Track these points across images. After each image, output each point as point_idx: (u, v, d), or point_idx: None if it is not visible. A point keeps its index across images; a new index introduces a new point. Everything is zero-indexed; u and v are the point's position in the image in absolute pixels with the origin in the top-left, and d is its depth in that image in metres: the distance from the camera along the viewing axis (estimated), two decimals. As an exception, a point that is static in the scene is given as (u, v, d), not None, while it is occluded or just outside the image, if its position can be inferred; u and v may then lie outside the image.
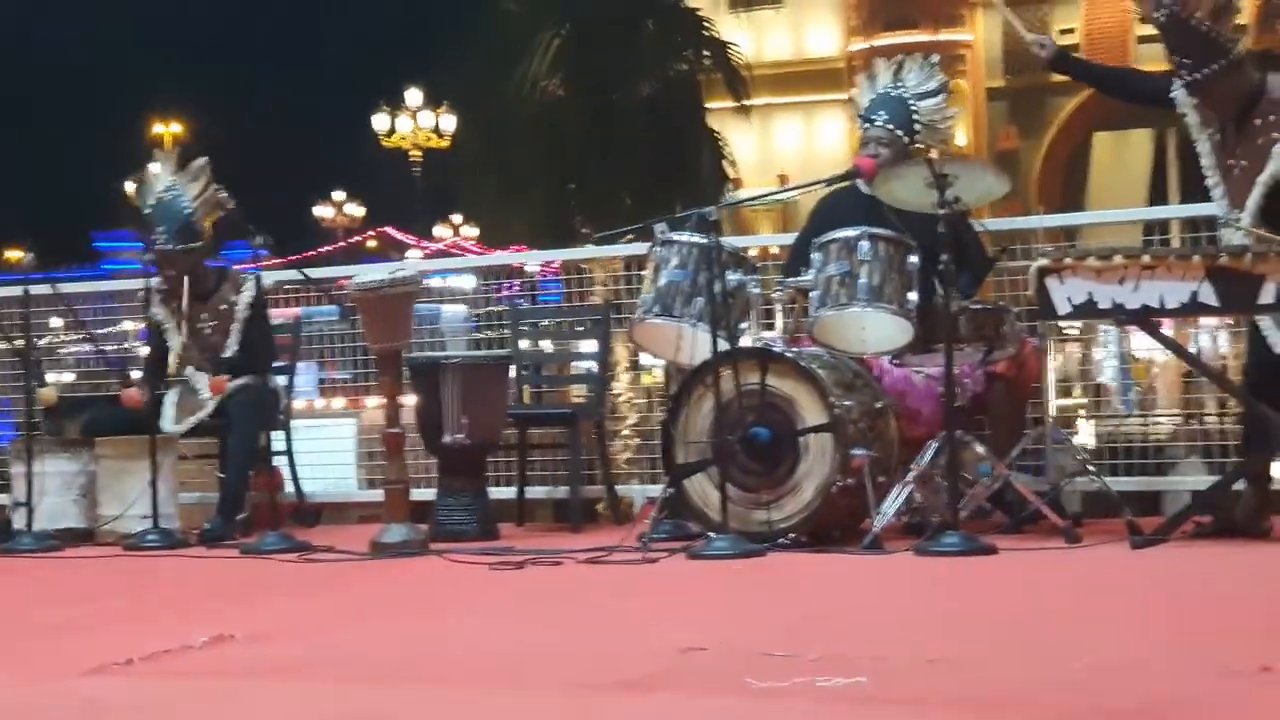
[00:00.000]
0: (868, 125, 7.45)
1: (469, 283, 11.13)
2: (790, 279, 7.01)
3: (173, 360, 8.35)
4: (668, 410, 7.00)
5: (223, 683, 4.39)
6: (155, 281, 8.42)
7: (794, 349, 6.87)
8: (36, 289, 8.81)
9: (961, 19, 43.94)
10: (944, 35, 43.75)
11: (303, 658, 4.74)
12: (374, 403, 11.14)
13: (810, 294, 6.85)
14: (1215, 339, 8.54)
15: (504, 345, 9.78)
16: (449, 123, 36.69)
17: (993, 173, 6.79)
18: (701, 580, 6.12)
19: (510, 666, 4.45)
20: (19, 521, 8.09)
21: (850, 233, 6.81)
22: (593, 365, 8.51)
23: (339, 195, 49.69)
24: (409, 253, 39.42)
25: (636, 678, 4.18)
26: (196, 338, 8.32)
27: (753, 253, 8.62)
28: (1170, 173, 33.67)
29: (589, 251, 11.47)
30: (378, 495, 9.61)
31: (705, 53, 23.76)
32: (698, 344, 6.86)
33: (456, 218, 47.11)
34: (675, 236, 7.06)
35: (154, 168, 8.54)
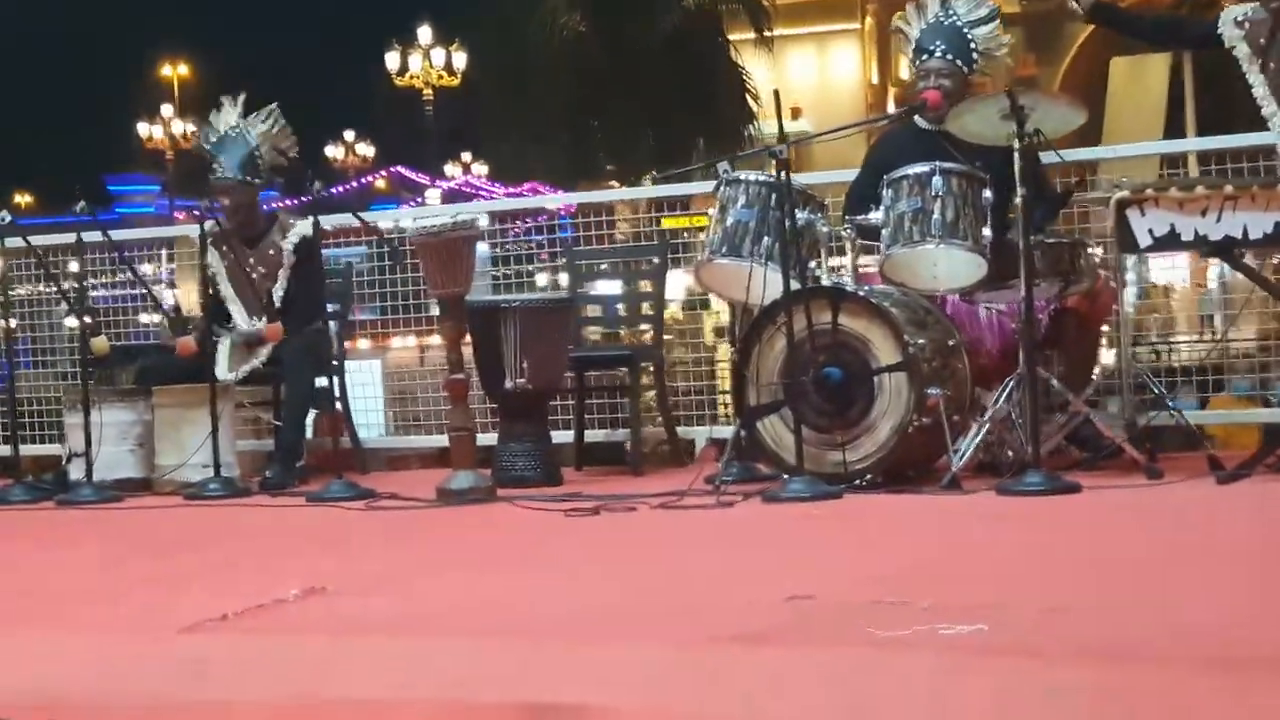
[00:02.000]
0: (925, 57, 7.32)
1: (482, 222, 11.00)
2: (859, 217, 6.89)
3: (235, 311, 8.26)
4: (738, 351, 6.90)
5: (323, 639, 4.32)
6: (208, 226, 8.31)
7: (865, 287, 6.76)
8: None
9: (973, -54, 43.65)
10: (956, -38, 43.53)
11: (400, 611, 4.67)
12: (399, 344, 11.08)
13: (881, 231, 6.73)
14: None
15: (522, 287, 9.76)
16: (461, 60, 36.48)
17: (1068, 103, 6.66)
18: (783, 524, 6.04)
19: (617, 619, 4.38)
20: (76, 472, 8.01)
21: (922, 168, 6.69)
22: (651, 305, 8.38)
23: (349, 135, 49.51)
24: (427, 193, 39.29)
25: (750, 629, 4.09)
26: (247, 282, 8.22)
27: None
28: (1187, 102, 33.46)
29: (614, 194, 11.36)
30: (406, 441, 9.59)
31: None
32: (767, 284, 6.74)
33: (466, 156, 46.96)
34: (742, 175, 6.95)
35: (222, 114, 8.43)
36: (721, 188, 6.94)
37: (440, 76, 37.92)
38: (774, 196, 6.77)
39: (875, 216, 6.79)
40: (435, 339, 11.50)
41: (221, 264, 8.33)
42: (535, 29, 22.49)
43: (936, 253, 6.65)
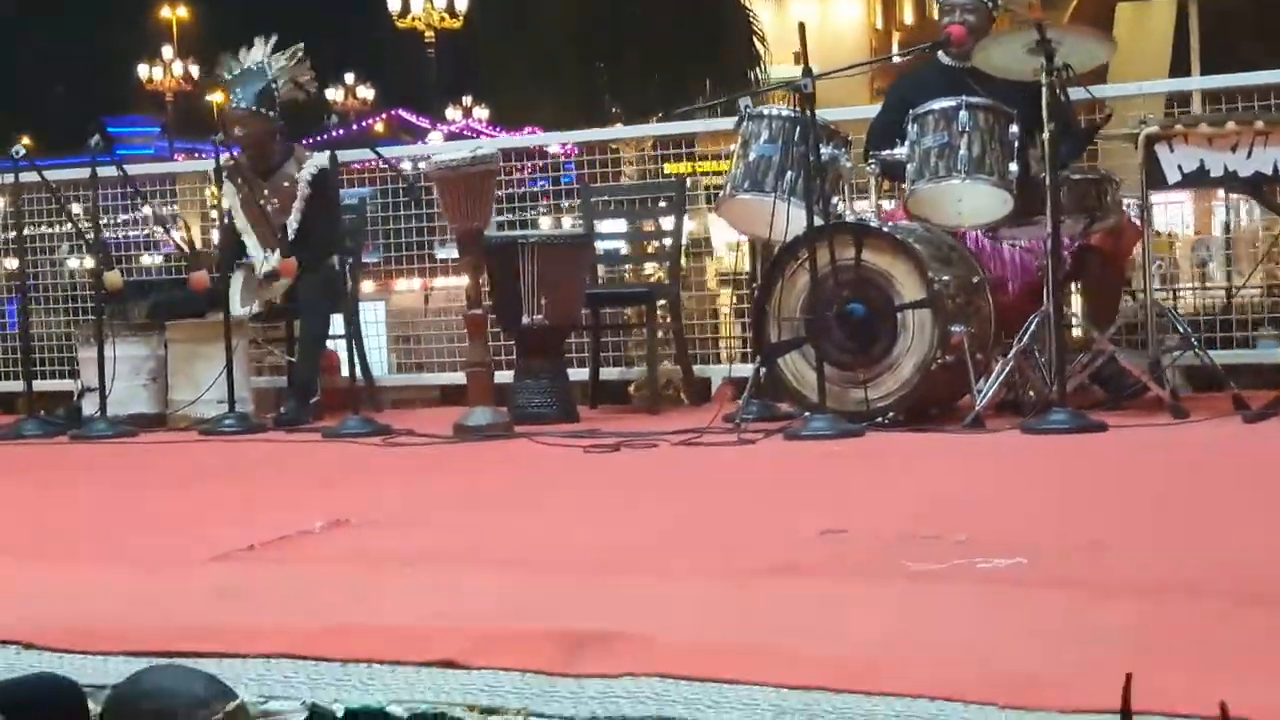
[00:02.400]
0: None
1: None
2: (883, 152, 6.83)
3: (250, 244, 8.19)
4: (759, 288, 6.84)
5: (351, 569, 4.28)
6: (224, 159, 8.24)
7: (889, 223, 6.70)
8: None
9: (979, -110, 43.37)
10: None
11: (427, 544, 4.64)
12: (403, 286, 11.02)
13: (906, 166, 6.66)
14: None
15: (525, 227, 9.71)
16: (463, 2, 36.27)
17: (1095, 38, 6.59)
18: (806, 461, 6.00)
19: (648, 552, 4.34)
20: (89, 407, 7.96)
21: (948, 103, 6.63)
22: (667, 243, 8.32)
23: (350, 78, 49.27)
24: (429, 136, 39.12)
25: (784, 562, 4.06)
26: (261, 215, 8.15)
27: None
28: (1192, 43, 33.33)
29: (618, 132, 11.27)
30: (409, 379, 9.54)
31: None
32: (789, 220, 6.68)
33: (467, 100, 46.73)
34: (765, 110, 6.89)
35: (253, 50, 8.36)
36: (744, 123, 6.88)
37: (442, 19, 37.71)
38: (797, 131, 6.70)
39: (900, 152, 6.71)
40: (439, 281, 11.46)
41: (236, 196, 8.26)
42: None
43: (962, 188, 6.58)
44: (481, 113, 44.61)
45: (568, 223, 10.13)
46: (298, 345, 8.18)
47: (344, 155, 8.07)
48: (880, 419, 6.52)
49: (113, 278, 7.98)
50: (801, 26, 6.65)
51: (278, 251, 8.09)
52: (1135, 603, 3.44)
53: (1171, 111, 8.18)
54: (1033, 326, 6.49)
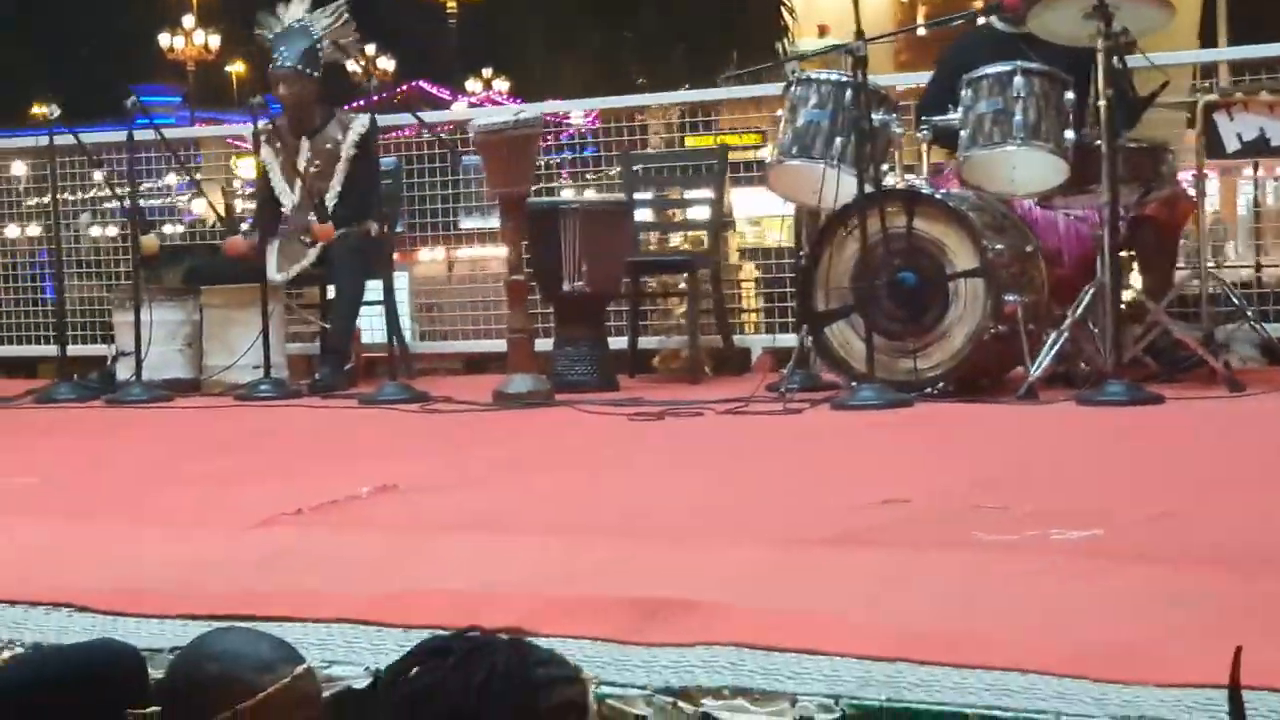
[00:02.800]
0: None
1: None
2: (936, 118, 6.70)
3: (289, 206, 8.08)
4: (807, 255, 6.73)
5: (403, 534, 4.20)
6: (261, 123, 8.14)
7: (941, 190, 6.58)
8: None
9: None
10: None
11: (479, 508, 4.55)
12: (427, 256, 10.93)
13: (960, 133, 6.54)
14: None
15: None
16: (486, -28, 36.11)
17: (1154, 3, 6.44)
18: (857, 431, 5.89)
19: (708, 519, 4.24)
20: (123, 372, 7.87)
21: (1003, 67, 6.49)
22: (708, 211, 8.18)
23: (370, 49, 49.02)
24: (454, 107, 38.93)
25: (850, 530, 3.96)
26: (300, 178, 8.02)
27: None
28: (1219, 12, 33.06)
29: (656, 97, 11.13)
30: (433, 347, 9.41)
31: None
32: (837, 186, 6.56)
33: (487, 72, 46.53)
34: (814, 74, 6.77)
35: (291, 7, 8.24)
36: (793, 87, 6.75)
37: (461, -13, 37.54)
38: (847, 96, 6.58)
39: (953, 117, 6.59)
40: (463, 251, 11.35)
41: (275, 160, 8.13)
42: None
43: (1017, 154, 6.45)
44: (502, 85, 44.42)
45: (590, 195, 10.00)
46: (333, 311, 8.07)
47: (384, 120, 7.93)
48: (930, 389, 6.40)
49: (149, 242, 7.90)
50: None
51: (315, 215, 7.96)
52: (1220, 575, 3.34)
53: (1196, 83, 8.04)
54: (1088, 298, 6.36)
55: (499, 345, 8.81)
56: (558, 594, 3.38)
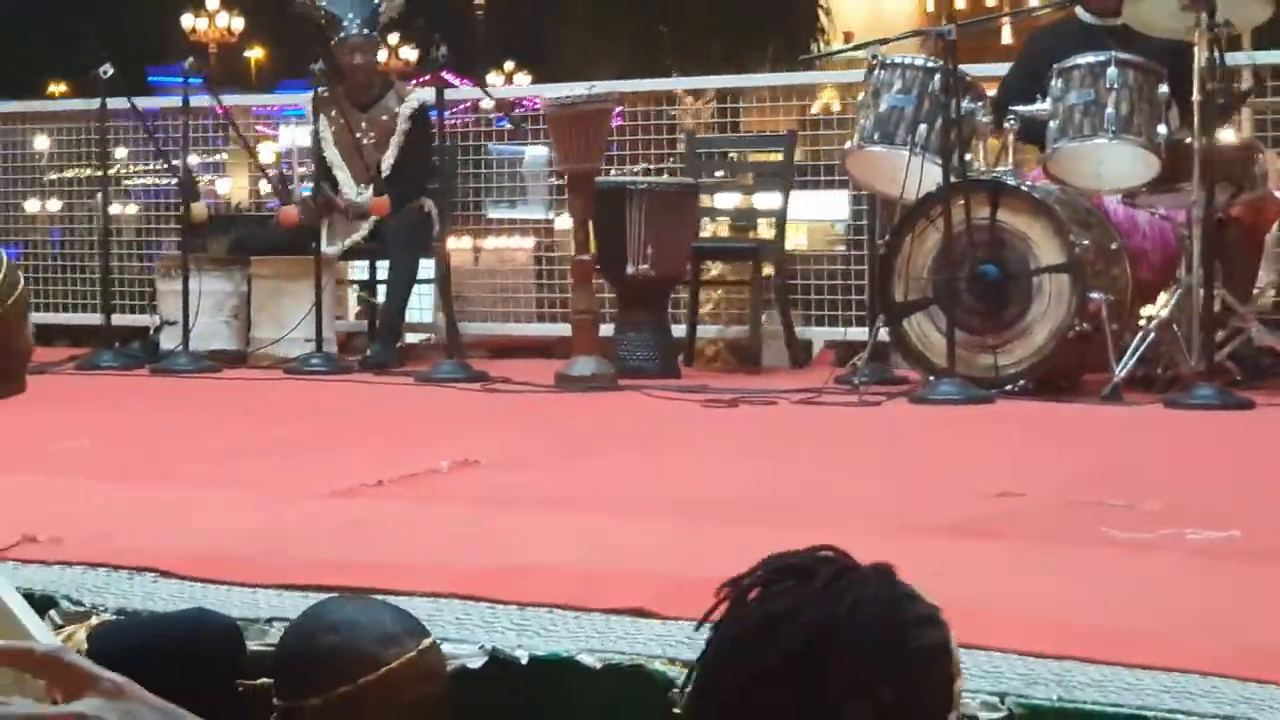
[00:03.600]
0: None
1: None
2: (1023, 107, 6.49)
3: (342, 178, 7.87)
4: (886, 245, 6.52)
5: (494, 510, 4.02)
6: (311, 94, 7.95)
7: (1026, 182, 6.38)
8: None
9: None
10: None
11: (565, 487, 4.38)
12: (453, 245, 10.69)
13: (1048, 123, 6.33)
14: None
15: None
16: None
17: (1258, -2, 6.24)
18: (942, 425, 5.70)
19: (812, 506, 4.05)
20: (167, 341, 7.66)
21: (1097, 57, 6.29)
22: (777, 198, 7.95)
23: (393, 38, 48.83)
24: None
25: (968, 522, 3.77)
26: (356, 149, 7.81)
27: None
28: None
29: (682, 82, 10.96)
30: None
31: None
32: (919, 175, 6.36)
33: (509, 65, 46.30)
34: (899, 59, 6.57)
35: None
36: (876, 71, 6.54)
37: (494, -22, 37.29)
38: (933, 82, 6.38)
39: (1041, 107, 6.38)
40: (489, 242, 11.14)
41: (329, 129, 7.92)
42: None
43: (1108, 148, 6.25)
44: (523, 79, 44.24)
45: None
46: (386, 287, 7.88)
47: (449, 94, 7.73)
48: (1009, 387, 6.19)
49: (199, 209, 7.70)
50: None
51: (371, 187, 7.76)
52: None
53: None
54: (1175, 298, 6.16)
55: (527, 330, 8.80)
56: (682, 575, 3.18)
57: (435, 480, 4.35)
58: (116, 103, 7.86)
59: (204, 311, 7.58)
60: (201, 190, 10.15)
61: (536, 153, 9.98)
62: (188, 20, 43.91)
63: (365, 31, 7.96)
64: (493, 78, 46.18)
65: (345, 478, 4.30)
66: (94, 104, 7.73)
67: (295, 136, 11.50)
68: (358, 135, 7.81)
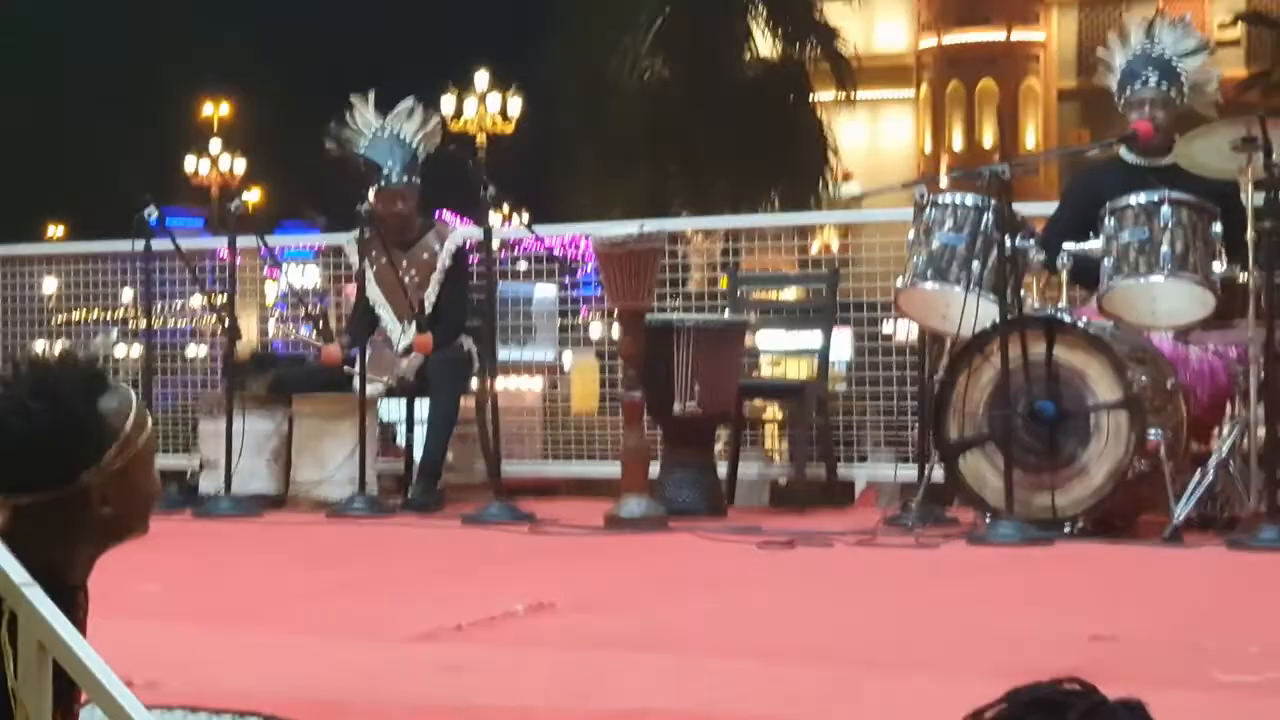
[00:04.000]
0: (1137, 85, 6.92)
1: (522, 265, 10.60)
2: (1076, 245, 6.49)
3: (385, 316, 7.86)
4: (941, 382, 6.50)
5: (581, 652, 3.98)
6: (354, 234, 7.96)
7: (1082, 318, 6.37)
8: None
9: (1035, 17, 43.35)
10: (1017, 34, 43.22)
11: (641, 629, 4.33)
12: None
13: (1102, 261, 6.33)
14: None
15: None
16: (516, 107, 36.17)
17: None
18: (1011, 567, 5.64)
19: (901, 650, 4.00)
20: (206, 484, 7.58)
21: (1150, 196, 6.30)
22: (818, 337, 7.94)
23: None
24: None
25: (1072, 666, 3.69)
26: (399, 288, 7.80)
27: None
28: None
29: (692, 222, 11.06)
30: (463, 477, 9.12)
31: (812, 38, 23.22)
32: (971, 311, 6.34)
33: (505, 207, 46.52)
34: (951, 197, 6.59)
35: (357, 115, 8.04)
36: (927, 209, 6.55)
37: (495, 123, 37.58)
38: (984, 220, 6.39)
39: (1094, 245, 6.39)
40: (503, 383, 11.13)
41: (370, 269, 7.91)
42: (615, 64, 22.22)
43: (1164, 286, 6.23)
44: (521, 219, 44.38)
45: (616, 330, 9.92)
46: (428, 427, 7.82)
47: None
48: (1067, 528, 6.15)
49: (243, 348, 7.66)
50: (1000, 115, 6.36)
51: (414, 326, 7.74)
52: None
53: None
54: (1232, 436, 6.13)
55: (537, 469, 8.76)
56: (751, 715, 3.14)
57: (514, 624, 4.30)
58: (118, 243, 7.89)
59: (245, 453, 7.51)
60: (201, 334, 10.17)
61: (545, 293, 10.00)
62: (190, 163, 44.36)
63: (406, 179, 7.97)
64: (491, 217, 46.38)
65: (423, 621, 4.26)
66: (109, 246, 7.73)
67: (297, 277, 11.55)
68: (400, 273, 7.80)
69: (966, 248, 6.45)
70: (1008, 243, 6.23)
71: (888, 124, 42.41)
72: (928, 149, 43.85)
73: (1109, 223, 6.35)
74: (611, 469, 8.37)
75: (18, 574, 2.37)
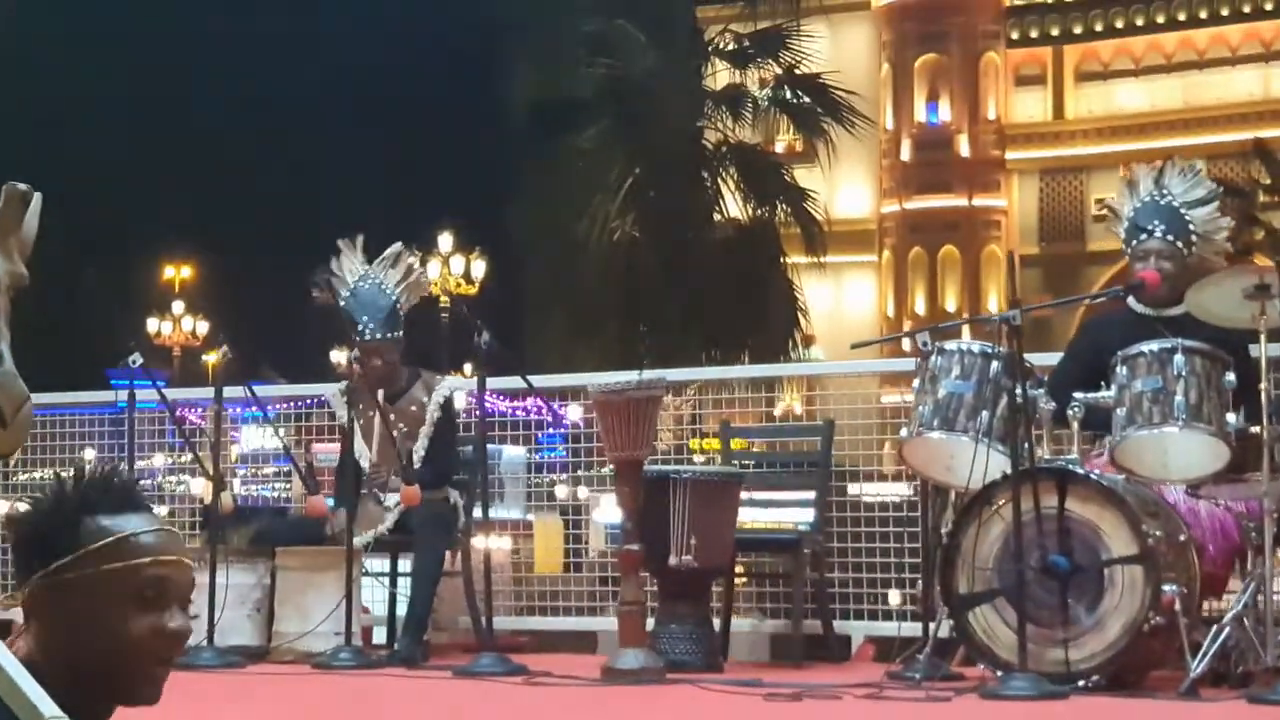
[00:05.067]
0: (1143, 236, 6.84)
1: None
2: (1088, 395, 6.39)
3: (367, 467, 7.70)
4: (948, 534, 6.36)
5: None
6: (339, 386, 7.84)
7: (1094, 470, 6.25)
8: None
9: (996, 185, 43.84)
10: (978, 200, 43.67)
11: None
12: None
13: (1114, 411, 6.22)
14: None
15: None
16: (480, 269, 36.24)
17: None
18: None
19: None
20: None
21: (1163, 344, 6.22)
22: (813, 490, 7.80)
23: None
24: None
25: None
26: (387, 440, 7.65)
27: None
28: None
29: (689, 373, 11.07)
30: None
31: (782, 199, 23.30)
32: (978, 462, 6.22)
33: (468, 367, 46.53)
34: (957, 344, 6.50)
35: (344, 260, 7.93)
36: (932, 357, 6.45)
37: (459, 284, 37.62)
38: (993, 367, 6.29)
39: (1105, 395, 6.29)
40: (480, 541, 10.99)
41: (356, 422, 7.75)
42: (585, 225, 22.27)
43: (1178, 437, 6.13)
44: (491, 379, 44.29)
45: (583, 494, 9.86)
46: (412, 579, 7.64)
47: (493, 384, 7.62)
48: (1083, 683, 5.98)
49: (225, 499, 7.49)
50: (1010, 256, 6.28)
51: (401, 478, 7.58)
52: None
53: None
54: (1248, 592, 6.00)
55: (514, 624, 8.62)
56: None
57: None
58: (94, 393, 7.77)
59: (228, 605, 7.32)
60: (164, 491, 10.00)
61: (514, 454, 9.89)
62: (153, 324, 44.23)
63: (383, 334, 7.83)
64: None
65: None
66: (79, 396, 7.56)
67: (253, 438, 11.42)
68: (387, 426, 7.65)
69: (975, 396, 6.36)
70: (1018, 391, 6.12)
71: (850, 288, 42.72)
72: (890, 312, 44.10)
73: (1121, 371, 6.27)
74: (581, 623, 8.34)
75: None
